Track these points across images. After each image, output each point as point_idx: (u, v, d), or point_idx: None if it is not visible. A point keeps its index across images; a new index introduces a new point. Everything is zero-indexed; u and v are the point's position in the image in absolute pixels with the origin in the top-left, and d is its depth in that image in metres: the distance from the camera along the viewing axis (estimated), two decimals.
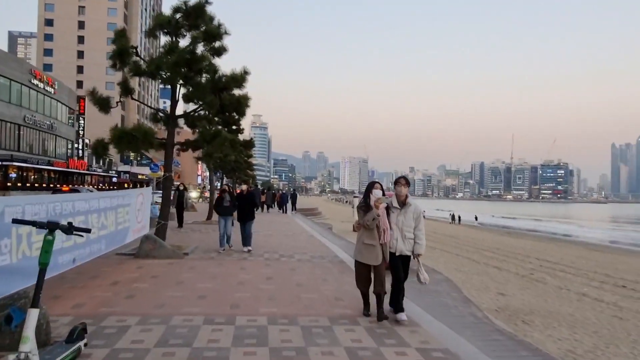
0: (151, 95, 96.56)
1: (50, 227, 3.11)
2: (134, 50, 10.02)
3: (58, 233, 3.21)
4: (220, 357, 3.98)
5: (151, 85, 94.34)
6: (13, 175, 41.31)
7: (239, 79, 10.40)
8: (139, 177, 69.63)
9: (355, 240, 5.83)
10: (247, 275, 7.84)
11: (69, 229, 3.22)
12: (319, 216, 43.80)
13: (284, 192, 45.18)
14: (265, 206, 31.46)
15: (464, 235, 35.38)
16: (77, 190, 31.04)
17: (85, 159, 58.11)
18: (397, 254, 5.42)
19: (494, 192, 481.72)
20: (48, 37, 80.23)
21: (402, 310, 5.25)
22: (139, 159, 69.79)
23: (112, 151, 10.54)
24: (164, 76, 10.02)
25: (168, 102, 10.85)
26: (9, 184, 39.59)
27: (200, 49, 10.15)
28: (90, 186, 55.16)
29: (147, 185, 32.38)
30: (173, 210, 16.58)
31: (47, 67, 75.07)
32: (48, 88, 47.38)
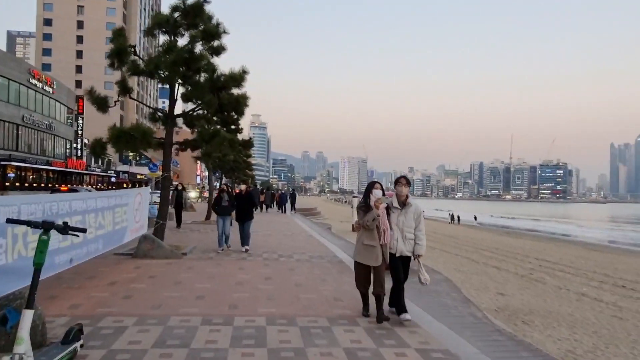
0: (150, 95, 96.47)
1: (45, 226, 3.06)
2: (132, 49, 9.97)
3: (54, 233, 3.17)
4: (218, 358, 3.94)
5: (150, 85, 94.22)
6: (11, 175, 41.24)
7: (237, 78, 10.37)
8: (138, 177, 69.54)
9: (354, 240, 5.80)
10: (246, 275, 7.80)
11: (64, 229, 3.17)
12: (318, 216, 43.77)
13: (283, 192, 45.14)
14: (264, 206, 31.45)
15: (463, 235, 35.37)
16: (75, 190, 30.97)
17: (84, 159, 58.02)
18: (397, 254, 5.38)
19: (493, 192, 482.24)
20: (47, 37, 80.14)
21: (405, 310, 5.20)
22: (137, 158, 69.68)
23: (111, 151, 10.50)
24: (162, 75, 9.97)
25: (167, 102, 10.80)
26: (7, 184, 39.51)
27: (198, 48, 10.11)
28: (89, 186, 55.08)
29: (146, 185, 32.32)
30: (172, 210, 16.53)
31: (46, 67, 75.03)
32: (47, 88, 47.29)
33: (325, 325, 5.01)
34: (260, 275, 7.85)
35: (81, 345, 3.73)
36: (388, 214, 5.29)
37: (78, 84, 75.52)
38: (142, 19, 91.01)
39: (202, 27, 10.03)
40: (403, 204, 5.50)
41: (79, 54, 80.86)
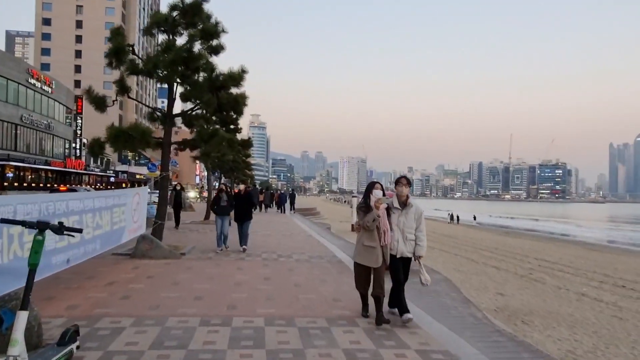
0: (149, 95, 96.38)
1: (40, 227, 3.02)
2: (130, 49, 9.93)
3: (51, 233, 3.13)
4: None
5: (149, 85, 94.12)
6: (10, 175, 41.15)
7: (236, 78, 10.33)
8: (137, 176, 69.46)
9: (353, 240, 5.76)
10: (245, 275, 7.76)
11: (60, 229, 3.12)
12: (318, 216, 43.70)
13: (282, 192, 45.11)
14: (263, 206, 31.42)
15: (463, 235, 35.36)
16: (74, 190, 30.91)
17: (83, 159, 57.94)
18: (398, 255, 5.33)
19: (492, 192, 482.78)
20: (46, 37, 79.99)
21: (407, 311, 5.15)
22: (137, 158, 69.53)
23: (109, 150, 10.45)
24: (161, 75, 9.93)
25: (166, 102, 10.76)
26: (5, 184, 39.43)
27: (197, 47, 10.07)
28: (88, 186, 55.00)
29: (145, 185, 32.27)
30: (171, 210, 16.49)
31: (45, 67, 74.90)
32: (45, 87, 47.21)
33: (325, 326, 4.97)
34: (259, 275, 7.81)
35: (77, 347, 3.68)
36: (388, 215, 5.25)
37: (77, 83, 75.43)
38: (141, 19, 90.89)
39: (201, 26, 9.99)
40: (404, 204, 5.45)
41: (78, 54, 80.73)
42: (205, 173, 28.10)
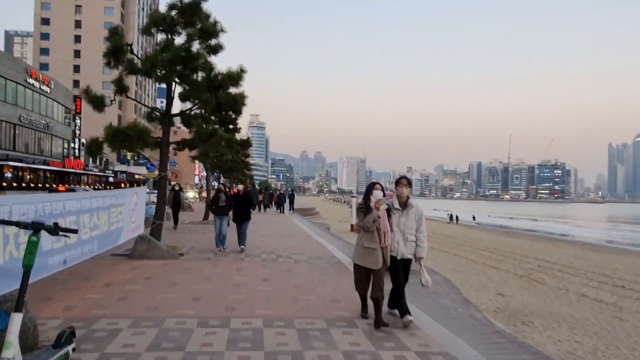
0: (148, 94, 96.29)
1: (35, 227, 2.97)
2: (129, 48, 9.88)
3: (47, 234, 3.08)
4: None
5: (148, 84, 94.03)
6: (8, 174, 41.05)
7: (235, 77, 10.28)
8: (136, 176, 69.38)
9: (353, 240, 5.72)
10: (243, 276, 7.71)
11: (55, 230, 3.08)
12: (317, 216, 43.64)
13: (281, 192, 45.07)
14: (262, 206, 31.38)
15: (462, 235, 35.33)
16: (73, 190, 30.84)
17: (82, 159, 57.83)
18: (398, 257, 5.28)
19: (491, 192, 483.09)
20: (44, 36, 79.82)
21: (408, 312, 5.11)
22: (135, 158, 69.51)
23: (108, 150, 10.40)
24: (159, 74, 9.88)
25: (165, 101, 10.71)
26: (4, 184, 39.33)
27: (195, 46, 10.03)
28: (87, 186, 54.92)
29: (144, 185, 32.22)
30: (169, 210, 16.45)
31: (44, 66, 74.77)
32: (44, 87, 47.11)
33: (324, 327, 4.93)
34: (258, 276, 7.76)
35: (73, 349, 3.64)
36: (389, 216, 5.19)
37: (76, 83, 75.25)
38: (140, 19, 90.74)
39: (200, 25, 9.95)
40: (404, 205, 5.39)
41: (77, 54, 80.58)
42: (204, 173, 28.07)
